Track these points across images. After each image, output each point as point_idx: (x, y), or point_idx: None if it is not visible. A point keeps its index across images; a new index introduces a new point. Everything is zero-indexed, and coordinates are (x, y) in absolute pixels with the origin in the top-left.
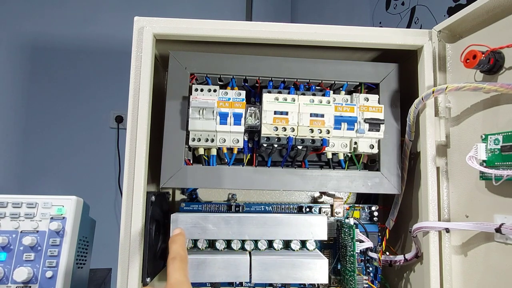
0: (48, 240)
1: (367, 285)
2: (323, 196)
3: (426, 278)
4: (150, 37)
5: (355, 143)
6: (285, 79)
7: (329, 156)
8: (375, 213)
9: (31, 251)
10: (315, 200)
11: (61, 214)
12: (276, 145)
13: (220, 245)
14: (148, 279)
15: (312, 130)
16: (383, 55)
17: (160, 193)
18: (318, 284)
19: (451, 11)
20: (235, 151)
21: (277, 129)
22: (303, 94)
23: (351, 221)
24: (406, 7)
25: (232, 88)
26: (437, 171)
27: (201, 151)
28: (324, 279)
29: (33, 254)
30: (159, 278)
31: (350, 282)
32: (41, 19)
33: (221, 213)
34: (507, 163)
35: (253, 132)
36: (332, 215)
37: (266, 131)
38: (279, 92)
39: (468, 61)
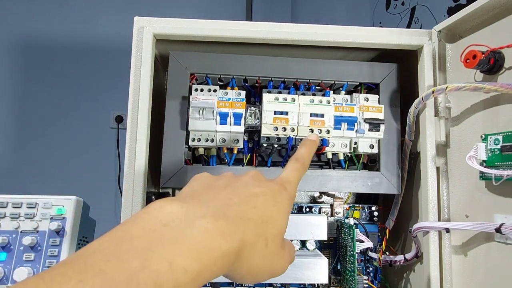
0: (48, 240)
1: (367, 285)
2: (323, 196)
3: (426, 278)
4: (150, 37)
5: (355, 143)
6: (285, 79)
7: (329, 156)
8: (375, 213)
9: (31, 251)
10: (315, 200)
11: (61, 214)
12: (276, 145)
13: None
14: None
15: (312, 130)
16: (383, 55)
17: (160, 193)
18: (318, 284)
19: (451, 11)
20: (235, 151)
21: (277, 129)
22: (303, 94)
23: (351, 221)
24: (406, 7)
25: (232, 88)
26: (437, 171)
27: (201, 151)
28: (324, 279)
29: (33, 254)
30: None
31: (350, 282)
32: (41, 19)
33: None
34: (507, 163)
35: (253, 132)
36: (332, 215)
37: (266, 131)
38: (279, 92)
39: (468, 61)
